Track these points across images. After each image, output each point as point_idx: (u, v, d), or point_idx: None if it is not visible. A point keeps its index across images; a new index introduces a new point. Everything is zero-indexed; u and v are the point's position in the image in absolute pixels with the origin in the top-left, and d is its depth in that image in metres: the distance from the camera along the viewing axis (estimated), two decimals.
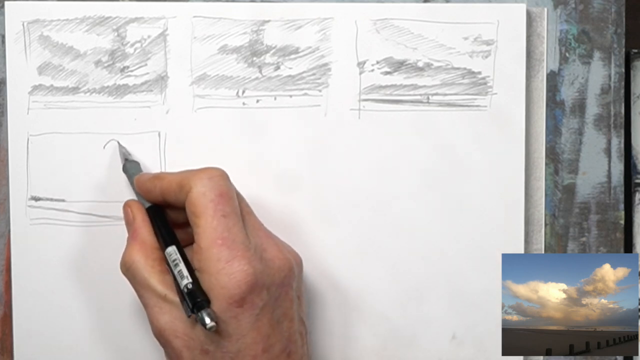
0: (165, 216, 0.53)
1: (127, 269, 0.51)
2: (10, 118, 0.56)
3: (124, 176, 0.56)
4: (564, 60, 0.58)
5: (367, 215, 0.57)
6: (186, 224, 0.53)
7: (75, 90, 0.57)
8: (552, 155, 0.58)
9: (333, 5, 0.57)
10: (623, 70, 0.58)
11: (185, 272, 0.49)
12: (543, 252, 0.58)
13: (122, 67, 0.57)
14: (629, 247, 0.60)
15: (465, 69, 0.57)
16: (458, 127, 0.57)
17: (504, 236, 0.57)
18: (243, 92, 0.57)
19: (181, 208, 0.51)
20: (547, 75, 0.58)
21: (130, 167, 0.55)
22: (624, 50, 0.58)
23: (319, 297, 0.57)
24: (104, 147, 0.57)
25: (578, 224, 0.59)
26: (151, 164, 0.57)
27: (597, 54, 0.58)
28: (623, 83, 0.58)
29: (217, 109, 0.57)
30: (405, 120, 0.57)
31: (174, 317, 0.50)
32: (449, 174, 0.57)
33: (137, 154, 0.57)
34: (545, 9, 0.58)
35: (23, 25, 0.56)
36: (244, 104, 0.57)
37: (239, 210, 0.51)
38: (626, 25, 0.58)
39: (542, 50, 0.58)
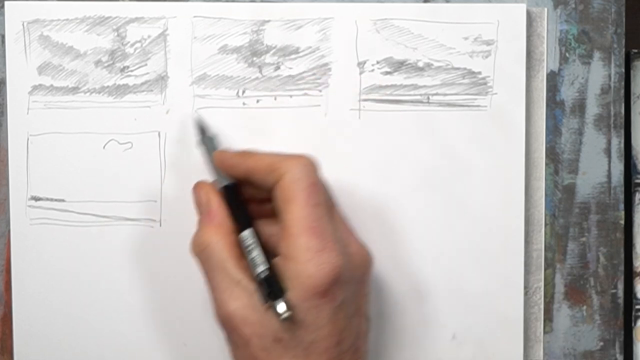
0: (241, 196, 0.52)
1: (202, 250, 0.50)
2: (10, 118, 0.56)
3: (124, 176, 0.56)
4: (564, 60, 0.58)
5: (367, 215, 0.57)
6: (260, 200, 0.52)
7: (75, 90, 0.56)
8: (552, 155, 0.58)
9: (333, 5, 0.57)
10: (623, 70, 0.58)
11: (260, 259, 0.49)
12: (543, 252, 0.58)
13: (122, 67, 0.57)
14: (629, 247, 0.60)
15: (465, 69, 0.57)
16: (458, 127, 0.57)
17: (504, 236, 0.57)
18: (243, 92, 0.57)
19: (260, 188, 0.51)
20: (547, 75, 0.58)
21: (208, 141, 0.54)
22: (624, 50, 0.58)
23: None
24: (104, 147, 0.57)
25: (578, 224, 0.59)
26: (151, 164, 0.56)
27: (597, 54, 0.58)
28: (623, 83, 0.58)
29: (217, 109, 0.57)
30: (405, 120, 0.57)
31: (246, 303, 0.49)
32: (449, 174, 0.57)
33: (136, 154, 0.56)
34: (545, 9, 0.58)
35: (23, 25, 0.56)
36: (244, 104, 0.57)
37: (327, 202, 0.51)
38: (626, 25, 0.58)
39: (542, 50, 0.58)
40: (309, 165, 0.50)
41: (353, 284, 0.50)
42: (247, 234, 0.50)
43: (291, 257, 0.49)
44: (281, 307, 0.47)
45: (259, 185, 0.51)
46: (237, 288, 0.49)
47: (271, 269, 0.49)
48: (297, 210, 0.49)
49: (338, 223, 0.51)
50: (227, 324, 0.49)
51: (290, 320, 0.47)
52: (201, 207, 0.52)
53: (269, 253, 0.50)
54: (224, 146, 0.55)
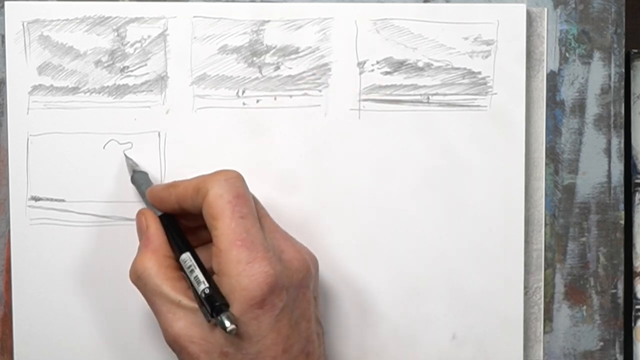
0: (177, 223, 0.53)
1: (139, 277, 0.51)
2: (10, 118, 0.56)
3: (123, 176, 0.56)
4: (564, 60, 0.58)
5: (367, 215, 0.57)
6: (198, 228, 0.53)
7: (75, 90, 0.56)
8: (552, 155, 0.58)
9: (333, 5, 0.57)
10: (623, 70, 0.58)
11: (202, 277, 0.50)
12: (543, 252, 0.58)
13: (122, 67, 0.57)
14: (629, 247, 0.60)
15: (465, 69, 0.57)
16: (458, 127, 0.57)
17: (504, 236, 0.57)
18: (243, 92, 0.57)
19: (195, 214, 0.51)
20: (547, 75, 0.58)
21: (139, 177, 0.55)
22: (624, 50, 0.58)
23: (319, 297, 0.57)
24: (104, 147, 0.57)
25: (578, 224, 0.59)
26: (151, 164, 0.57)
27: (597, 54, 0.58)
28: (623, 83, 0.58)
29: (217, 109, 0.57)
30: (405, 120, 0.57)
31: (189, 322, 0.50)
32: (449, 174, 0.57)
33: (136, 154, 0.57)
34: (545, 9, 0.58)
35: (23, 25, 0.56)
36: (244, 104, 0.57)
37: (255, 212, 0.51)
38: (626, 25, 0.58)
39: (542, 50, 0.58)
40: (232, 179, 0.51)
41: (293, 290, 0.50)
42: (186, 256, 0.51)
43: (224, 272, 0.49)
44: (226, 321, 0.47)
45: (191, 211, 0.52)
46: (178, 309, 0.50)
47: (212, 285, 0.49)
48: (224, 225, 0.49)
49: (270, 232, 0.52)
50: (175, 345, 0.50)
51: (236, 333, 0.48)
52: (140, 234, 0.53)
53: (208, 274, 0.50)
54: (155, 180, 0.56)
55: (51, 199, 0.56)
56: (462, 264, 0.58)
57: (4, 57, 0.56)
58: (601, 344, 0.59)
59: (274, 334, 0.49)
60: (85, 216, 0.57)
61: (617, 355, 0.59)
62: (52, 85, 0.56)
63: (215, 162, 0.56)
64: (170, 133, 0.57)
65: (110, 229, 0.57)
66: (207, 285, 0.49)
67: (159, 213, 0.53)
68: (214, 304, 0.48)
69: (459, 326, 0.58)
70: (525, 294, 0.58)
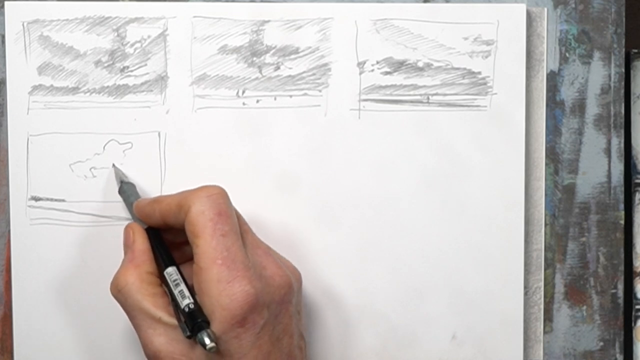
0: (162, 238, 0.53)
1: (119, 291, 0.51)
2: (10, 118, 0.56)
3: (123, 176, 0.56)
4: (564, 60, 0.58)
5: (367, 215, 0.57)
6: (182, 244, 0.53)
7: (75, 90, 0.57)
8: (552, 155, 0.58)
9: (333, 5, 0.57)
10: (623, 70, 0.58)
11: (187, 292, 0.50)
12: (543, 252, 0.58)
13: (122, 67, 0.57)
14: (629, 247, 0.60)
15: (465, 69, 0.57)
16: (458, 127, 0.57)
17: (504, 236, 0.57)
18: (243, 92, 0.57)
19: (180, 229, 0.51)
20: (547, 75, 0.58)
21: (127, 189, 0.55)
22: (624, 50, 0.58)
23: (318, 298, 0.57)
24: (104, 147, 0.57)
25: (578, 224, 0.59)
26: (151, 164, 0.57)
27: (597, 54, 0.58)
28: (623, 83, 0.58)
29: (217, 109, 0.57)
30: (405, 120, 0.57)
31: (170, 338, 0.50)
32: (449, 174, 0.57)
33: (136, 154, 0.57)
34: (545, 9, 0.58)
35: (23, 25, 0.56)
36: (244, 104, 0.57)
37: (238, 228, 0.51)
38: (626, 25, 0.58)
39: (542, 50, 0.58)
40: (214, 196, 0.50)
41: (274, 306, 0.50)
42: (172, 269, 0.51)
43: (204, 291, 0.49)
44: (206, 339, 0.47)
45: (175, 227, 0.52)
46: (158, 325, 0.50)
47: (195, 302, 0.49)
48: (205, 243, 0.49)
49: (252, 248, 0.51)
50: None
51: (217, 350, 0.48)
52: (126, 248, 0.53)
53: (192, 290, 0.50)
54: (143, 192, 0.56)
55: (51, 199, 0.56)
56: (462, 264, 0.58)
57: (4, 57, 0.56)
58: (601, 344, 0.59)
59: (255, 351, 0.49)
60: (85, 216, 0.57)
61: (617, 355, 0.59)
62: (52, 85, 0.56)
63: (215, 162, 0.56)
64: (170, 133, 0.57)
65: (110, 229, 0.57)
66: (191, 300, 0.49)
67: (145, 226, 0.53)
68: (195, 321, 0.48)
69: (459, 326, 0.58)
70: (525, 294, 0.58)
